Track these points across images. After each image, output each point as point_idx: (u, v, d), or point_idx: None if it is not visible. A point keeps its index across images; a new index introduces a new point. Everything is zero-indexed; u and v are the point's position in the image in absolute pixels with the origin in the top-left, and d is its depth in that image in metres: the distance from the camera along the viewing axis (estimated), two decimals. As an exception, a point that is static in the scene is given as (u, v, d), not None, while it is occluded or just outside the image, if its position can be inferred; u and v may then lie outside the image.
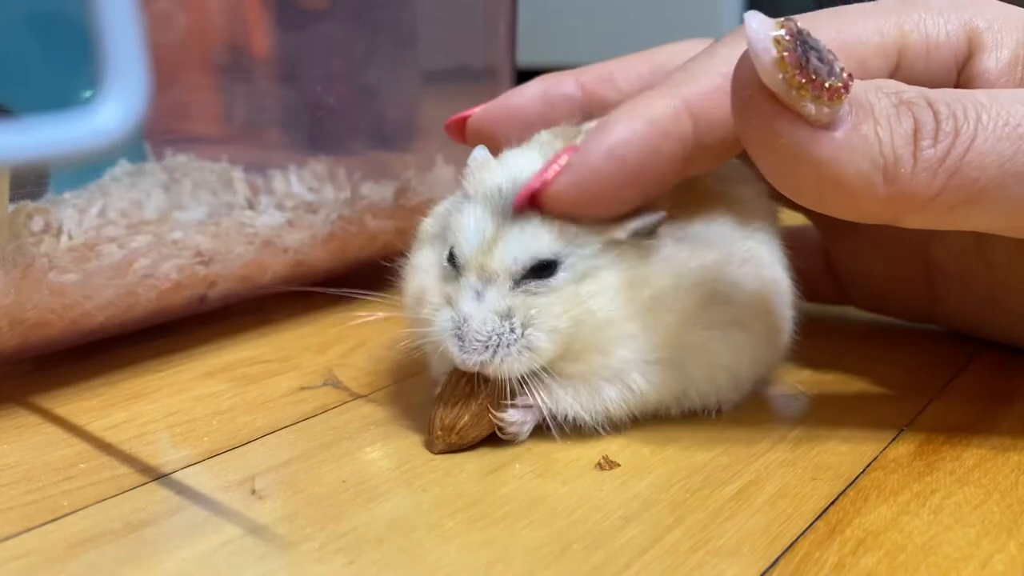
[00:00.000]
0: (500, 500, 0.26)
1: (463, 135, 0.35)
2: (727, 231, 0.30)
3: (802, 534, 0.24)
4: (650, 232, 0.28)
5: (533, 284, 0.27)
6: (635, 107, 0.27)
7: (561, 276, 0.27)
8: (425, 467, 0.28)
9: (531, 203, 0.27)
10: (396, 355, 0.37)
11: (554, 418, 0.29)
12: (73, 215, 0.34)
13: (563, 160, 0.27)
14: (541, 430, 0.29)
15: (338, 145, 0.44)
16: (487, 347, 0.27)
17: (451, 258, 0.28)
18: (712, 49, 0.28)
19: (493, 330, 0.27)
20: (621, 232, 0.28)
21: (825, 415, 0.31)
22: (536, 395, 0.28)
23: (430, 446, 0.29)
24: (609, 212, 0.28)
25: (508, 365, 0.27)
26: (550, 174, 0.27)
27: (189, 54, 0.40)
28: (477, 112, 0.34)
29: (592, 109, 0.34)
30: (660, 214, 0.28)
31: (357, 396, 0.33)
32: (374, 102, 0.47)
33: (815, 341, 0.35)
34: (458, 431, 0.28)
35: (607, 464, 0.28)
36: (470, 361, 0.27)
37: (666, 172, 0.27)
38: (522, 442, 0.29)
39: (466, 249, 0.28)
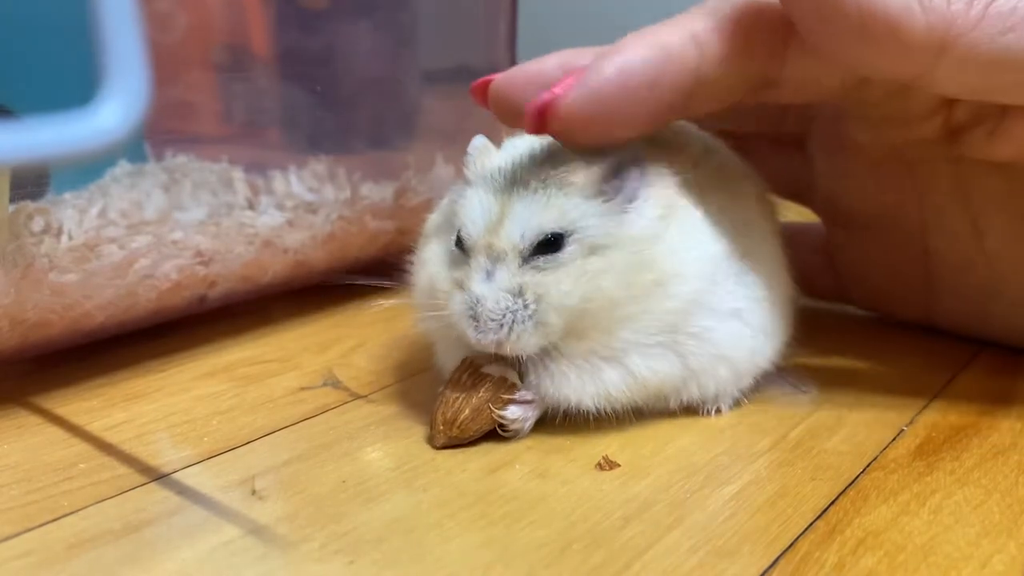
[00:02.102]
0: (500, 500, 0.26)
1: (486, 98, 0.36)
2: (731, 225, 0.30)
3: (802, 534, 0.24)
4: (635, 173, 0.28)
5: (541, 260, 0.27)
6: (645, 34, 0.28)
7: (568, 250, 0.27)
8: (425, 467, 0.28)
9: (541, 119, 0.28)
10: (396, 355, 0.37)
11: (557, 410, 0.29)
12: (73, 215, 0.34)
13: (572, 78, 0.28)
14: (542, 430, 0.30)
15: (338, 145, 0.44)
16: (502, 325, 0.27)
17: (459, 242, 0.29)
18: None
19: (507, 308, 0.27)
20: (607, 164, 0.28)
21: (825, 415, 0.31)
22: (537, 383, 0.28)
23: (432, 440, 0.29)
24: (615, 132, 0.28)
25: (524, 341, 0.27)
26: (560, 88, 0.27)
27: (189, 54, 0.40)
28: (499, 77, 0.35)
29: None
30: (636, 148, 0.28)
31: (357, 396, 0.33)
32: (374, 102, 0.47)
33: (815, 341, 0.36)
34: (459, 425, 0.28)
35: (607, 464, 0.28)
36: (486, 340, 0.27)
37: (670, 100, 0.28)
38: (523, 442, 0.29)
39: (473, 230, 0.28)
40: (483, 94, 0.36)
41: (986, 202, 0.34)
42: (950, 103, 0.32)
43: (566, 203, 0.27)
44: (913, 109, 0.32)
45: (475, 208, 0.28)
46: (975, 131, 0.31)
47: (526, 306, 0.27)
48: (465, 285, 0.28)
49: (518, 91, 0.34)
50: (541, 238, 0.27)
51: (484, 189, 0.28)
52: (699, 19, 0.28)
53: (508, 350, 0.28)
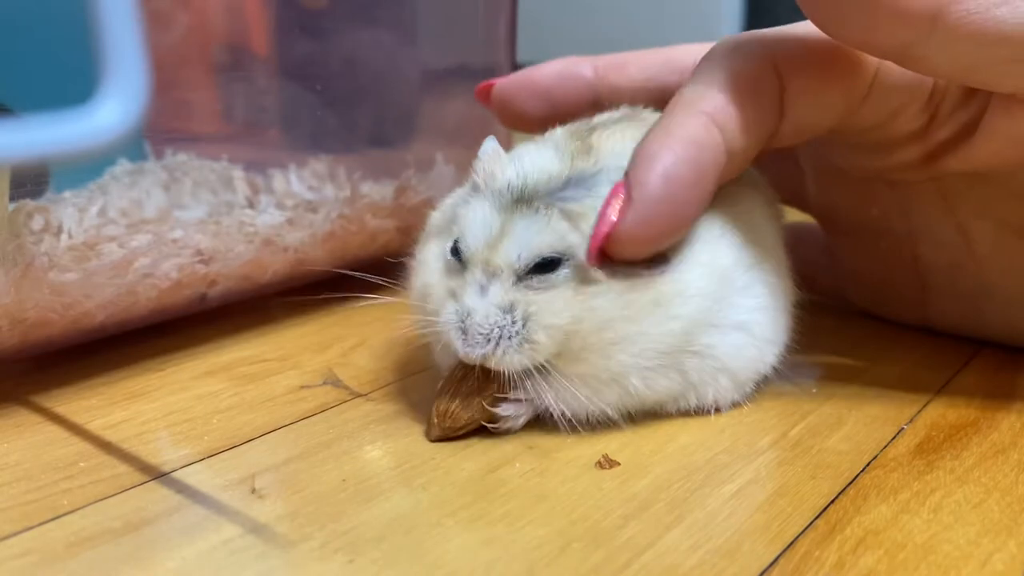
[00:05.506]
0: (500, 499, 0.26)
1: (489, 100, 0.37)
2: (737, 236, 0.30)
3: (802, 533, 0.24)
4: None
5: (536, 279, 0.27)
6: (668, 131, 0.28)
7: (563, 273, 0.27)
8: (425, 466, 0.28)
9: (604, 254, 0.27)
10: (396, 354, 0.37)
11: (551, 415, 0.29)
12: (73, 214, 0.34)
13: (618, 200, 0.27)
14: (541, 429, 0.30)
15: (338, 144, 0.44)
16: (489, 340, 0.27)
17: (455, 252, 0.28)
18: (714, 62, 0.29)
19: (495, 323, 0.27)
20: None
21: (825, 414, 0.31)
22: (533, 391, 0.28)
23: (427, 434, 0.29)
24: (675, 239, 0.28)
25: (509, 358, 0.27)
26: (614, 215, 0.27)
27: (189, 53, 0.40)
28: (501, 81, 0.37)
29: (602, 92, 0.35)
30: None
31: (357, 395, 0.33)
32: (374, 101, 0.47)
33: (815, 341, 0.35)
34: (450, 415, 0.28)
35: (607, 463, 0.28)
36: (473, 354, 0.27)
37: (711, 186, 0.28)
38: (522, 440, 0.29)
39: (471, 244, 0.28)
40: (487, 96, 0.37)
41: (970, 211, 0.34)
42: (928, 127, 0.31)
43: (566, 227, 0.27)
44: (893, 137, 0.32)
45: (476, 222, 0.28)
46: (953, 149, 0.31)
47: (514, 323, 0.27)
48: (458, 296, 0.28)
49: (518, 96, 0.36)
50: (538, 260, 0.27)
51: (489, 203, 0.28)
52: (706, 98, 0.28)
53: (493, 365, 0.28)
